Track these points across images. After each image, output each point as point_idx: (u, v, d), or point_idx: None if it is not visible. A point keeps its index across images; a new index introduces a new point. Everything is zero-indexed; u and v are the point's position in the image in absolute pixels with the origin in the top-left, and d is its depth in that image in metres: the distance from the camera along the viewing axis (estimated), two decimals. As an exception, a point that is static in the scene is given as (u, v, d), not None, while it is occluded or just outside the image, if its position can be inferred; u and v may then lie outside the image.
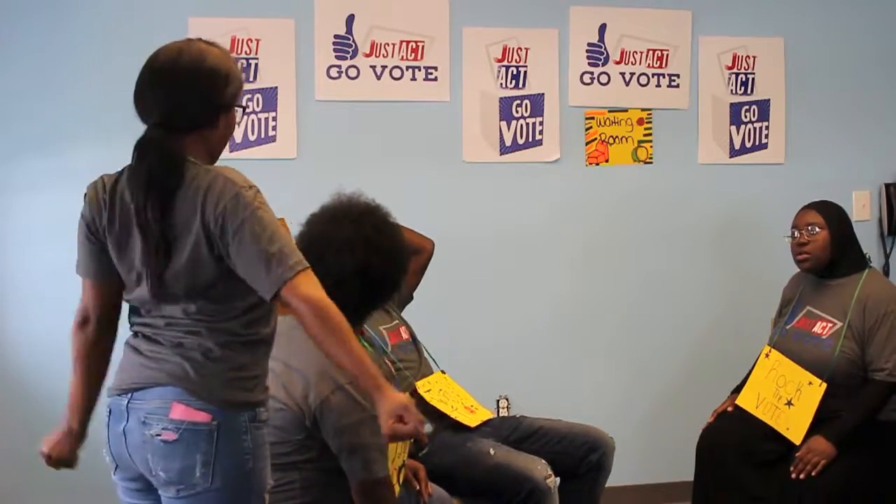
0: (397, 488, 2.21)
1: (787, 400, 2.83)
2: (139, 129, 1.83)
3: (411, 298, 3.02)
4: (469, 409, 2.82)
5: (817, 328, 2.89)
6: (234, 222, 1.70)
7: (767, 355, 2.96)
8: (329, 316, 1.72)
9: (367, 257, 2.11)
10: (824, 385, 2.76)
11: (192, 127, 1.81)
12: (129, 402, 1.77)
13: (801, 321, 2.96)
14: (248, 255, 1.70)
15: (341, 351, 1.74)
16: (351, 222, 2.16)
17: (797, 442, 2.77)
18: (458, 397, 2.85)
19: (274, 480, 2.05)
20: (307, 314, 1.71)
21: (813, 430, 2.76)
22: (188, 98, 1.79)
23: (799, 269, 3.02)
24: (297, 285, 1.70)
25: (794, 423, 2.79)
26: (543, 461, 2.60)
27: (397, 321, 2.91)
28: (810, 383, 2.79)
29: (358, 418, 2.01)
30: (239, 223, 1.70)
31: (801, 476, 2.71)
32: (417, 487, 2.37)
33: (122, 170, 1.83)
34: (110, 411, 1.81)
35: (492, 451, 2.61)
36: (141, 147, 1.77)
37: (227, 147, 2.97)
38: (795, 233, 2.95)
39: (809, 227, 2.90)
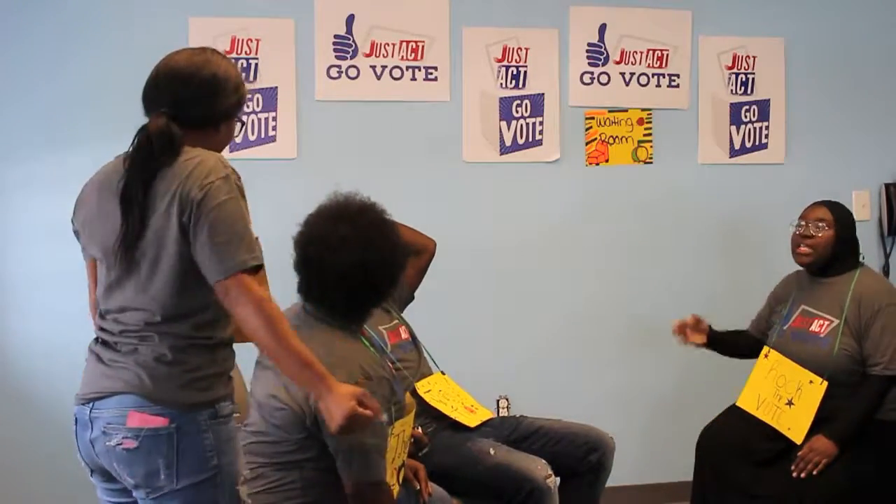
0: (397, 488, 2.21)
1: (787, 399, 2.83)
2: (136, 130, 1.84)
3: (412, 298, 3.03)
4: (469, 410, 2.82)
5: (814, 326, 2.89)
6: (205, 207, 1.75)
7: (766, 356, 2.96)
8: (270, 314, 1.75)
9: (365, 253, 2.13)
10: (825, 383, 2.76)
11: (193, 126, 1.88)
12: (91, 411, 1.81)
13: (797, 320, 2.96)
14: (208, 239, 1.75)
15: (281, 347, 1.77)
16: (348, 220, 2.18)
17: (799, 442, 2.77)
18: (458, 397, 2.85)
19: (274, 480, 2.06)
20: (247, 307, 1.74)
21: (814, 428, 2.76)
22: (195, 99, 1.88)
23: (796, 265, 3.02)
24: (245, 278, 1.74)
25: (795, 423, 2.79)
26: (543, 461, 2.60)
27: (397, 321, 2.91)
28: (811, 382, 2.79)
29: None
30: (209, 208, 1.75)
31: (803, 475, 2.71)
32: (417, 487, 2.37)
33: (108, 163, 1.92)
34: (77, 419, 1.85)
35: (492, 451, 2.61)
36: (144, 127, 1.85)
37: (227, 147, 2.96)
38: (802, 224, 2.95)
39: (818, 223, 2.90)
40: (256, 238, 1.86)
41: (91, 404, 1.81)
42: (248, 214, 1.83)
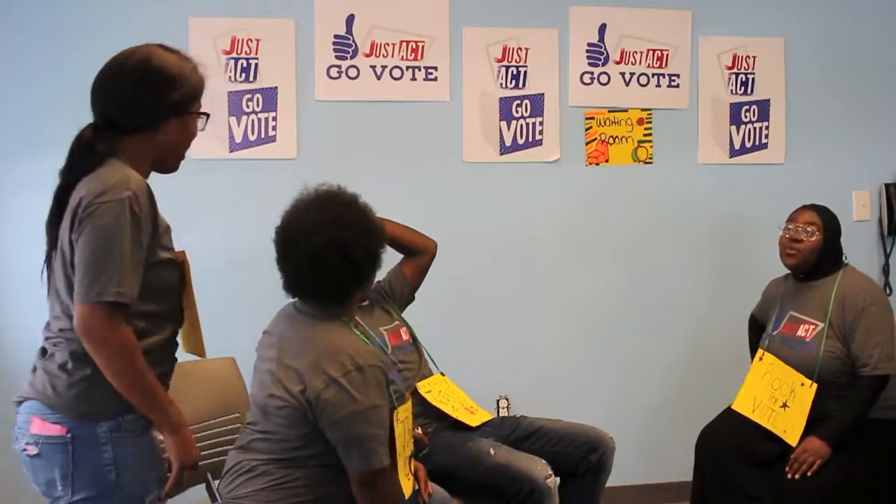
0: (410, 479, 2.21)
1: (782, 402, 2.84)
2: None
3: (413, 298, 3.03)
4: (469, 411, 2.83)
5: (801, 331, 2.91)
6: (85, 226, 1.72)
7: (761, 358, 2.97)
8: (109, 356, 1.72)
9: (338, 231, 2.10)
10: (815, 386, 2.78)
11: (135, 128, 1.84)
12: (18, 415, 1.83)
13: (785, 326, 2.98)
14: (79, 258, 1.73)
15: (123, 384, 1.75)
16: (318, 206, 2.17)
17: (794, 443, 2.78)
18: (458, 399, 2.86)
19: (279, 477, 2.07)
20: (89, 344, 1.72)
21: (806, 430, 2.77)
22: (128, 99, 1.83)
23: (784, 266, 3.02)
24: (96, 310, 1.70)
25: (790, 425, 2.80)
26: (543, 461, 2.60)
27: (398, 322, 2.92)
28: (802, 384, 2.81)
29: (351, 410, 2.00)
30: (88, 228, 1.71)
31: (797, 476, 2.72)
32: (416, 487, 2.37)
33: None
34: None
35: (492, 451, 2.61)
36: (75, 140, 1.85)
37: (226, 147, 2.96)
38: (791, 227, 2.95)
39: (808, 227, 2.91)
40: (174, 258, 1.86)
41: (18, 407, 1.84)
42: (138, 244, 1.75)
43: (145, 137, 1.85)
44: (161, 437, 1.85)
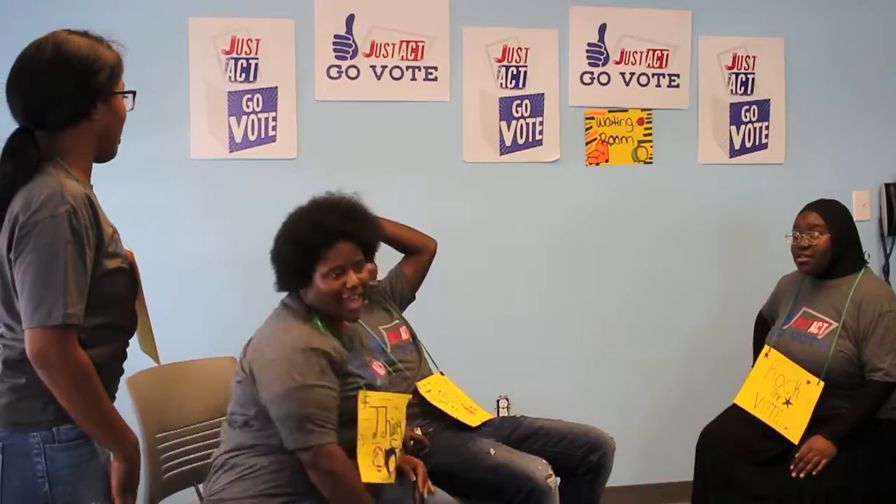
0: (382, 471, 2.18)
1: (785, 399, 2.84)
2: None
3: (413, 298, 3.03)
4: (468, 410, 2.82)
5: (813, 328, 2.90)
6: (24, 247, 1.63)
7: (767, 355, 2.96)
8: (60, 378, 1.64)
9: (294, 226, 2.23)
10: (822, 384, 2.77)
11: (65, 123, 1.74)
12: None
13: (798, 321, 2.97)
14: (21, 283, 1.64)
15: (77, 411, 1.68)
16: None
17: (795, 441, 2.77)
18: (458, 398, 2.86)
19: (248, 467, 2.12)
20: (41, 370, 1.64)
21: (810, 428, 2.77)
22: (49, 94, 1.71)
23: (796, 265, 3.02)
24: (40, 337, 1.62)
25: (792, 423, 2.80)
26: (544, 461, 2.59)
27: (398, 321, 2.92)
28: (808, 382, 2.80)
29: (283, 388, 2.05)
30: (28, 251, 1.62)
31: (801, 475, 2.72)
32: (413, 478, 2.36)
33: None
34: None
35: (492, 451, 2.61)
36: (4, 149, 1.72)
37: (226, 147, 2.93)
38: (797, 234, 2.94)
39: (811, 231, 2.89)
40: (122, 265, 1.75)
41: None
42: (81, 259, 1.65)
43: (78, 130, 1.74)
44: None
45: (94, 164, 1.85)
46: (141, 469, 1.81)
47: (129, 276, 1.83)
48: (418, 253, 2.98)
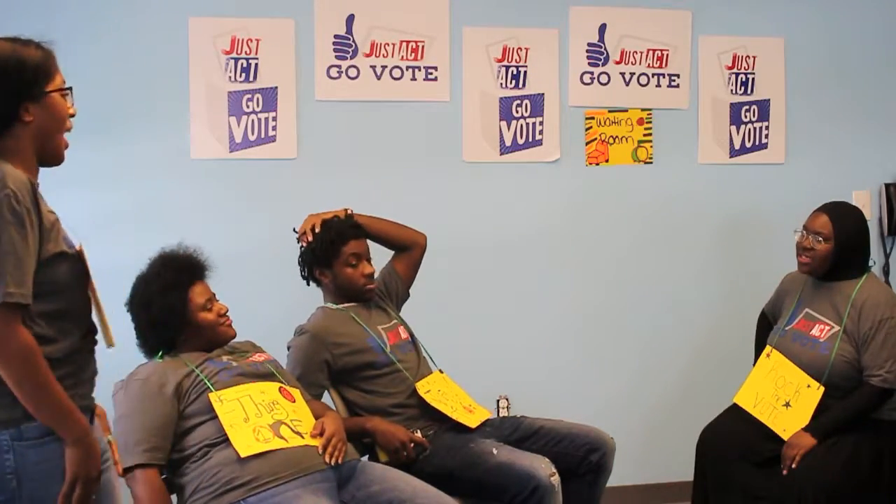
0: (269, 442, 2.22)
1: (785, 401, 2.84)
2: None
3: (408, 295, 3.02)
4: (467, 409, 2.82)
5: (815, 331, 2.90)
6: None
7: (768, 355, 2.97)
8: (3, 359, 1.66)
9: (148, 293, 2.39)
10: (822, 388, 2.78)
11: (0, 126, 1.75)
12: None
13: (800, 323, 2.97)
14: None
15: (23, 392, 1.69)
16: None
17: None
18: (457, 397, 2.85)
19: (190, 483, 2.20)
20: None
21: (806, 428, 2.78)
22: None
23: (796, 265, 3.01)
24: None
25: (790, 425, 2.80)
26: (547, 459, 2.59)
27: (396, 321, 2.91)
28: (809, 386, 2.81)
29: (116, 416, 2.22)
30: None
31: (785, 471, 2.73)
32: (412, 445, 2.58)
33: None
34: None
35: (494, 451, 2.60)
36: None
37: (227, 147, 2.92)
38: (803, 233, 2.93)
39: (816, 236, 2.87)
40: (77, 248, 1.77)
41: None
42: (24, 240, 1.68)
43: (13, 132, 1.76)
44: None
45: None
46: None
47: (76, 262, 1.84)
48: (408, 249, 2.98)
